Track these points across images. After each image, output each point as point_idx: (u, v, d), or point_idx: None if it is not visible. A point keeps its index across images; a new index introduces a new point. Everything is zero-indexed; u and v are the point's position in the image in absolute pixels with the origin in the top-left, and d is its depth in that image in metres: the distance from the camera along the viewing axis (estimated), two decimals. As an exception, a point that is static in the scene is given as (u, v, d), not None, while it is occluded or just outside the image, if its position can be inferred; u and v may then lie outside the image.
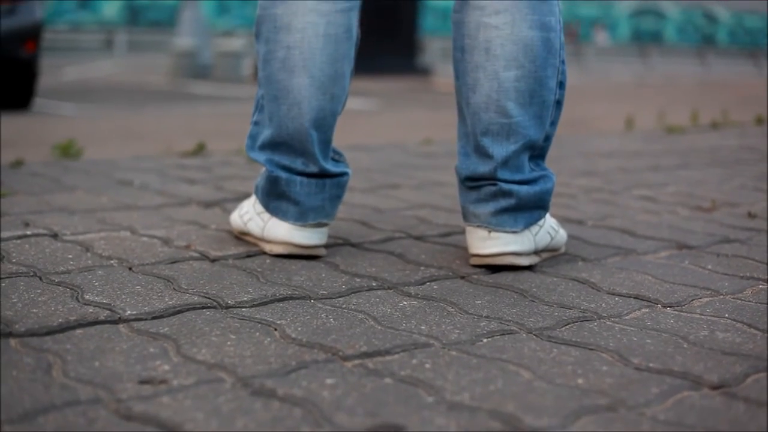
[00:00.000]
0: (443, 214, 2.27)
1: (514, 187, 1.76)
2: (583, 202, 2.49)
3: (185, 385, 1.15)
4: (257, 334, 1.36)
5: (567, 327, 1.45)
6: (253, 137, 1.87)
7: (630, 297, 1.62)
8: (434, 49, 21.05)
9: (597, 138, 4.14)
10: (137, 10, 23.86)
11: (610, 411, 1.12)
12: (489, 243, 1.76)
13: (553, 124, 1.82)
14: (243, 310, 1.48)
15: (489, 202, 1.77)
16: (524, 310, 1.53)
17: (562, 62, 1.79)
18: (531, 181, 1.78)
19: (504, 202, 1.76)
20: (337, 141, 1.88)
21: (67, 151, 3.16)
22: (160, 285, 1.58)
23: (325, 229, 1.83)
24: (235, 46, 14.39)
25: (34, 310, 1.41)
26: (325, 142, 1.79)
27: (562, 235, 1.89)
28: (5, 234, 1.88)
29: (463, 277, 1.72)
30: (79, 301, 1.47)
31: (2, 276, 1.59)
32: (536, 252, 1.81)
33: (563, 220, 2.20)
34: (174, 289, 1.57)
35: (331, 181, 1.81)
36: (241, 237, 1.93)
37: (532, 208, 1.78)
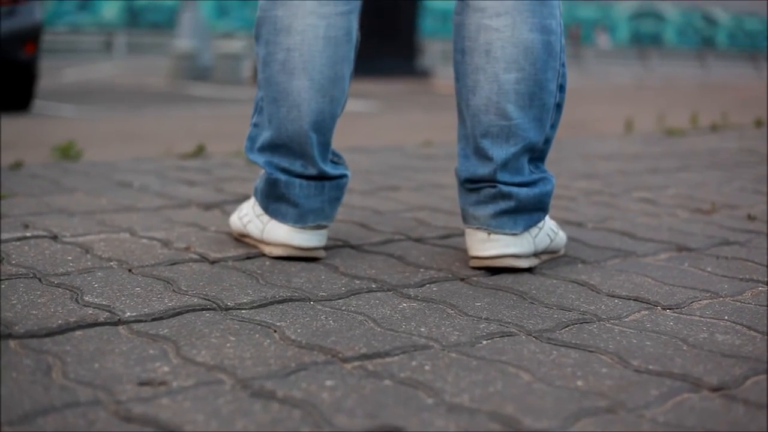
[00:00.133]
0: (443, 216, 2.27)
1: (514, 190, 1.76)
2: (583, 205, 2.49)
3: (185, 387, 1.15)
4: (257, 335, 1.36)
5: (567, 329, 1.45)
6: (252, 139, 1.87)
7: (630, 299, 1.62)
8: (434, 51, 21.07)
9: (596, 140, 4.14)
10: (137, 11, 23.87)
11: (609, 413, 1.12)
12: (488, 245, 1.76)
13: (553, 126, 1.82)
14: (242, 311, 1.48)
15: (488, 205, 1.77)
16: (524, 312, 1.53)
17: (563, 65, 1.79)
18: (530, 183, 1.78)
19: (503, 205, 1.76)
20: (337, 143, 1.88)
21: (67, 153, 3.16)
22: (160, 287, 1.58)
23: (324, 231, 1.83)
24: (234, 48, 14.40)
25: (34, 312, 1.41)
26: (325, 145, 1.79)
27: (561, 237, 1.89)
28: (5, 235, 1.88)
29: (462, 279, 1.72)
30: (78, 303, 1.47)
31: (2, 277, 1.59)
32: (536, 254, 1.81)
33: (563, 223, 2.20)
34: (174, 290, 1.57)
35: (330, 183, 1.82)
36: (240, 239, 1.93)
37: (531, 211, 1.78)
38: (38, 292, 1.52)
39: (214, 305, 1.50)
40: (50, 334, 1.33)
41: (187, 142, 3.99)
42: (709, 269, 1.85)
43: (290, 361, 1.26)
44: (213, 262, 1.77)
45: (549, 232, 1.84)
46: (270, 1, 1.77)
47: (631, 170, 3.16)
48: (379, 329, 1.41)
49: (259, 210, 1.86)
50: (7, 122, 6.56)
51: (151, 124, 7.76)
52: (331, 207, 1.83)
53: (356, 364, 1.26)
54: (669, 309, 1.57)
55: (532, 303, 1.58)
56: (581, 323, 1.48)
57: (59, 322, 1.37)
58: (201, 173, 2.82)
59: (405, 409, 1.11)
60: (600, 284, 1.71)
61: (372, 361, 1.27)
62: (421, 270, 1.77)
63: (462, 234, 2.04)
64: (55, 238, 1.90)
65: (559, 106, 1.82)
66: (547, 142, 1.82)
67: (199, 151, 3.27)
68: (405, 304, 1.55)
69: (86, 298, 1.49)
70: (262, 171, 1.85)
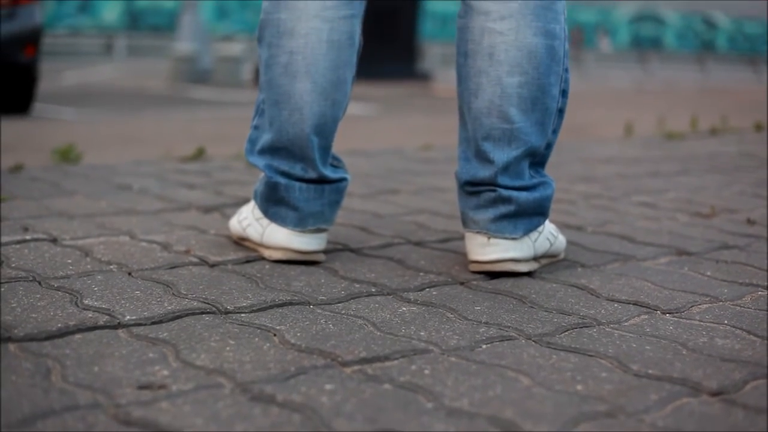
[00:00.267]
0: (442, 220, 2.27)
1: (514, 194, 1.76)
2: (583, 208, 2.49)
3: (184, 391, 1.15)
4: (256, 339, 1.36)
5: (566, 333, 1.45)
6: (252, 141, 1.87)
7: (629, 303, 1.62)
8: (434, 54, 21.08)
9: (596, 144, 4.14)
10: (137, 14, 23.89)
11: (609, 417, 1.12)
12: (488, 249, 1.76)
13: (555, 131, 1.82)
14: (242, 315, 1.48)
15: (488, 209, 1.77)
16: (523, 317, 1.53)
17: (566, 70, 1.79)
18: (531, 187, 1.78)
19: (503, 209, 1.76)
20: (336, 146, 1.88)
21: (67, 156, 3.16)
22: (160, 290, 1.58)
23: (324, 235, 1.83)
24: (234, 50, 14.40)
25: (33, 315, 1.41)
26: (325, 148, 1.79)
27: (561, 241, 1.90)
28: (5, 239, 1.88)
29: (462, 283, 1.72)
30: (78, 306, 1.47)
31: (1, 281, 1.59)
32: (535, 258, 1.81)
33: (562, 226, 2.20)
34: (173, 294, 1.57)
35: (330, 186, 1.82)
36: (240, 242, 1.93)
37: (531, 215, 1.78)
38: (38, 296, 1.52)
39: (214, 309, 1.50)
40: (50, 337, 1.33)
41: (187, 145, 3.99)
42: (708, 273, 1.85)
43: (290, 365, 1.26)
44: (212, 266, 1.77)
45: (549, 236, 1.84)
46: (274, 3, 1.77)
47: (630, 174, 3.16)
48: (378, 333, 1.41)
49: (258, 213, 1.86)
50: (7, 125, 6.56)
51: (151, 127, 7.77)
52: (331, 210, 1.83)
53: (356, 368, 1.26)
54: (668, 313, 1.57)
55: (532, 307, 1.58)
56: (581, 327, 1.48)
57: (59, 325, 1.37)
58: (201, 176, 2.82)
59: (404, 413, 1.11)
60: (599, 288, 1.71)
61: (371, 365, 1.27)
62: (421, 274, 1.76)
63: (462, 238, 2.04)
64: (54, 241, 1.90)
65: (561, 111, 1.82)
66: (549, 146, 1.82)
67: (199, 154, 3.27)
68: (405, 308, 1.55)
69: (86, 302, 1.49)
70: (262, 174, 1.85)
